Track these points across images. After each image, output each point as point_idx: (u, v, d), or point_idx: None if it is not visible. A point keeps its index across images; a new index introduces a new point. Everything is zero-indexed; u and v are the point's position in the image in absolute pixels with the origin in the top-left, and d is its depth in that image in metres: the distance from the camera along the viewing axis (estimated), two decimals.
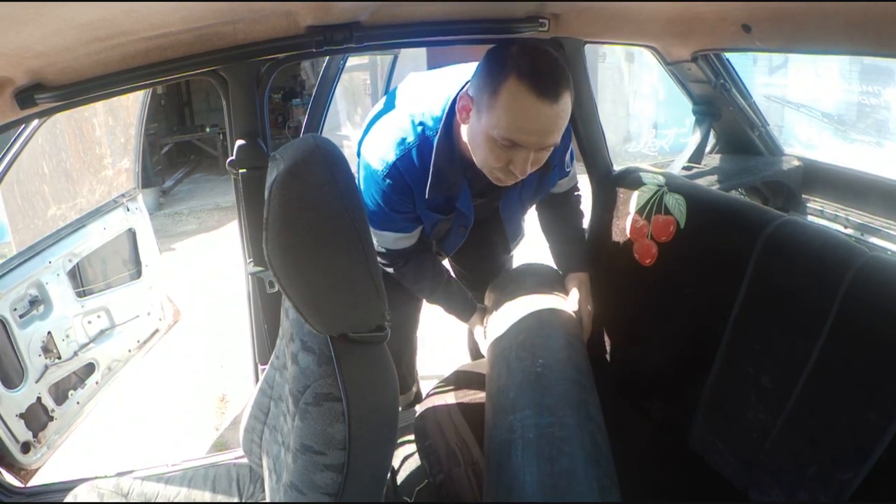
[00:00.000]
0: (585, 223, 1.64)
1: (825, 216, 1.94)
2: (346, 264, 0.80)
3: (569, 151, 1.42)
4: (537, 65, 1.03)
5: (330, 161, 0.77)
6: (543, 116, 1.04)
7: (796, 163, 2.02)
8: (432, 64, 6.89)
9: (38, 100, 1.10)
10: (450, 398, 1.48)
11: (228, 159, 1.34)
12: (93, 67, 1.13)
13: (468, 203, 1.32)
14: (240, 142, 1.32)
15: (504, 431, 1.02)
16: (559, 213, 1.52)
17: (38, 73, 1.08)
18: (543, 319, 1.27)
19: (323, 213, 0.77)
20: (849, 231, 1.85)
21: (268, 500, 1.10)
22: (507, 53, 1.06)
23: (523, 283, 1.43)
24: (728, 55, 1.80)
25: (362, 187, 1.36)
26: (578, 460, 0.92)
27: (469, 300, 1.47)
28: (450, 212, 1.34)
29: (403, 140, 1.25)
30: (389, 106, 1.34)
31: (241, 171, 1.33)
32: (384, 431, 0.91)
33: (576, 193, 1.56)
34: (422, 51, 6.92)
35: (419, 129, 1.24)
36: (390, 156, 1.25)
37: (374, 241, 1.40)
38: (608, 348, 1.64)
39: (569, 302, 1.41)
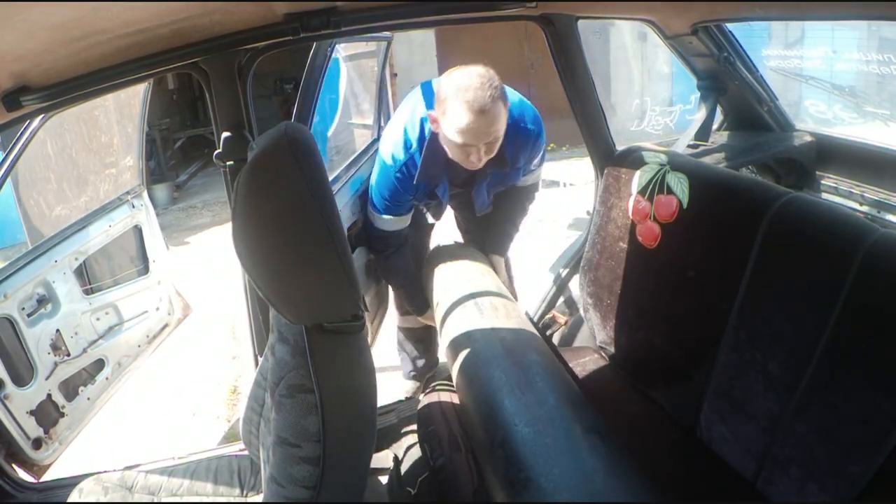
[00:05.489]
0: (579, 211, 1.66)
1: (840, 193, 1.85)
2: (314, 252, 0.77)
3: (538, 158, 1.79)
4: (469, 87, 1.41)
5: (296, 148, 0.74)
6: (476, 125, 1.43)
7: (809, 138, 1.92)
8: (441, 51, 6.79)
9: (24, 102, 1.10)
10: (455, 390, 1.47)
11: (216, 152, 1.33)
12: (75, 67, 1.12)
13: (445, 192, 1.76)
14: (225, 134, 1.30)
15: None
16: (509, 205, 1.94)
17: (22, 76, 1.07)
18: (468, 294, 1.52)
19: (288, 200, 0.75)
20: (864, 208, 1.76)
21: (265, 491, 1.10)
22: (450, 80, 1.45)
23: (444, 275, 1.71)
24: (731, 27, 1.72)
25: (375, 178, 1.72)
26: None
27: (426, 301, 1.90)
28: (435, 197, 1.77)
29: (411, 143, 1.63)
30: (412, 103, 1.67)
31: (228, 163, 1.32)
32: (360, 423, 0.89)
33: (534, 192, 1.96)
34: (431, 36, 6.82)
35: (424, 131, 1.61)
36: (400, 154, 1.64)
37: (376, 224, 1.77)
38: (613, 335, 1.60)
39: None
